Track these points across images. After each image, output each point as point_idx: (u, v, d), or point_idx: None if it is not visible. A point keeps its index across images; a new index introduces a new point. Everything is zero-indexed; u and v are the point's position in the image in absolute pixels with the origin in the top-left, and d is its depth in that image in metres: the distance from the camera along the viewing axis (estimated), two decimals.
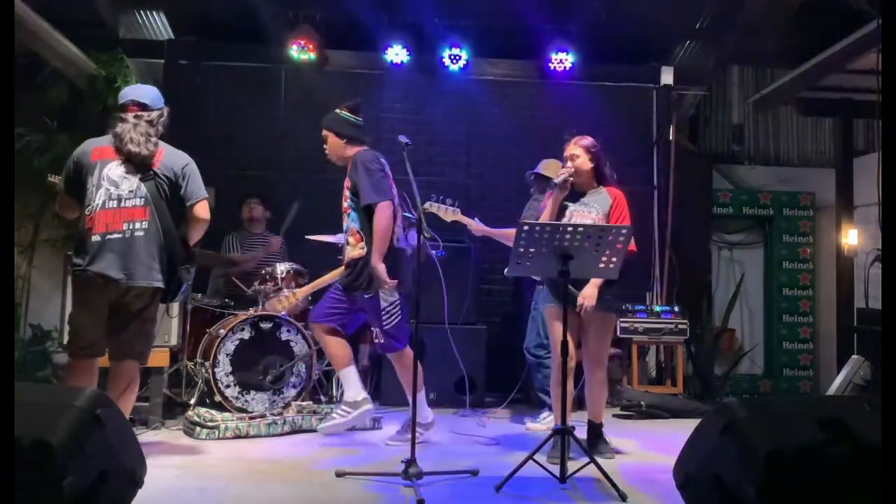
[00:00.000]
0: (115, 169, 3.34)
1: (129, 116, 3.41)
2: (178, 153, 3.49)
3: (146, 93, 3.54)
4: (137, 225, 3.30)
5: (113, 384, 3.30)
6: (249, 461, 3.61)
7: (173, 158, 3.45)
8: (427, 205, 4.24)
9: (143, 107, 3.45)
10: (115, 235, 3.27)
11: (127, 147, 3.33)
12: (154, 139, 3.41)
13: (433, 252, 4.16)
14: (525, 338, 5.07)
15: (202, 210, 3.45)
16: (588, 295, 3.63)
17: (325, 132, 4.10)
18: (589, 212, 3.73)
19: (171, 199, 3.41)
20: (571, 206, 3.76)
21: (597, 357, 3.79)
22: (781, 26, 5.89)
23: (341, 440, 4.15)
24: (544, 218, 3.69)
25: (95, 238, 3.26)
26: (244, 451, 3.83)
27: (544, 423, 4.58)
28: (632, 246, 3.62)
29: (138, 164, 3.34)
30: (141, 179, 3.34)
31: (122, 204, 3.30)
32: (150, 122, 3.43)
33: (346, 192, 4.03)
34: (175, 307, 4.27)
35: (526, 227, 3.19)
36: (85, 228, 3.31)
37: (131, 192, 3.32)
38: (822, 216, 7.36)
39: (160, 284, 3.33)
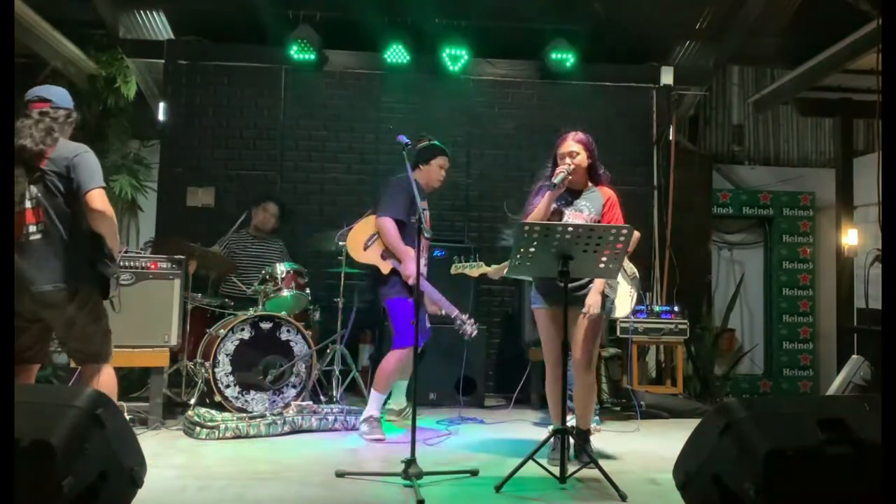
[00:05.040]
0: None
1: (34, 112, 3.17)
2: (68, 145, 3.18)
3: (52, 91, 3.32)
4: (32, 228, 3.08)
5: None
6: (249, 461, 3.61)
7: (62, 151, 3.14)
8: (453, 268, 4.34)
9: (48, 102, 3.21)
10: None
11: (19, 142, 3.08)
12: (55, 135, 3.14)
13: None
14: (525, 337, 5.07)
15: (93, 200, 3.08)
16: (593, 303, 3.57)
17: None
18: (582, 212, 3.63)
19: (68, 195, 3.11)
20: (568, 208, 3.65)
21: (584, 359, 3.61)
22: (781, 26, 5.89)
23: (341, 440, 4.15)
24: (535, 215, 3.55)
25: None
26: (244, 451, 3.82)
27: None
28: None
29: (26, 163, 3.08)
30: (29, 182, 3.10)
31: (16, 209, 3.07)
32: (55, 119, 3.18)
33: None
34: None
35: (526, 228, 3.18)
36: None
37: (21, 195, 3.10)
38: (822, 216, 7.36)
39: (69, 286, 3.08)
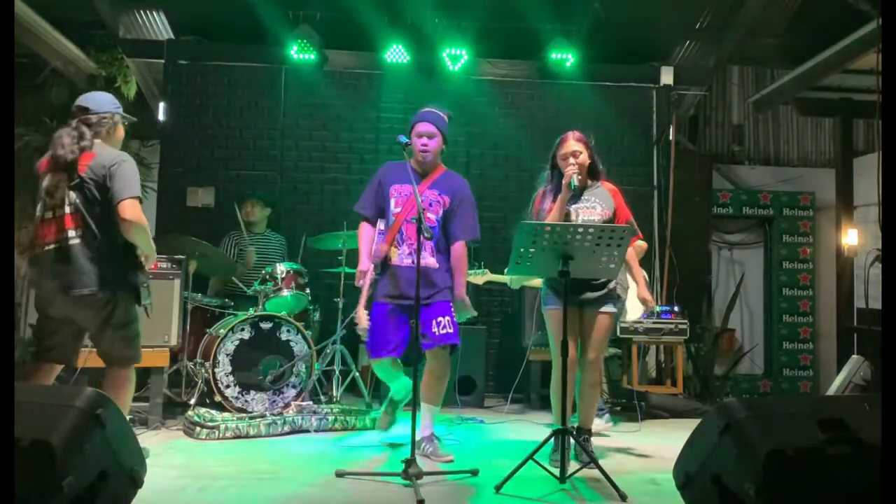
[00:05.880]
0: (48, 179, 3.22)
1: (73, 122, 3.28)
2: (111, 153, 3.25)
3: (90, 98, 3.40)
4: (71, 234, 3.16)
5: (105, 386, 3.26)
6: (249, 461, 3.61)
7: (102, 159, 3.20)
8: None
9: (86, 111, 3.31)
10: (52, 246, 3.16)
11: (55, 151, 3.19)
12: (85, 142, 3.21)
13: None
14: (524, 337, 5.04)
15: (124, 209, 3.13)
16: (651, 299, 3.78)
17: (434, 130, 3.78)
18: (594, 208, 3.65)
19: (105, 204, 3.18)
20: (575, 206, 3.66)
21: (597, 358, 3.68)
22: (781, 26, 5.89)
23: (341, 440, 4.15)
24: (553, 219, 3.53)
25: (37, 251, 3.18)
26: (244, 451, 3.82)
27: None
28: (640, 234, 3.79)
29: (63, 169, 3.16)
30: (70, 187, 3.18)
31: (56, 213, 3.18)
32: (88, 124, 3.26)
33: (438, 208, 3.74)
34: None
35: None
36: (32, 243, 3.23)
37: (62, 200, 3.18)
38: (822, 216, 7.37)
39: (104, 292, 3.16)
